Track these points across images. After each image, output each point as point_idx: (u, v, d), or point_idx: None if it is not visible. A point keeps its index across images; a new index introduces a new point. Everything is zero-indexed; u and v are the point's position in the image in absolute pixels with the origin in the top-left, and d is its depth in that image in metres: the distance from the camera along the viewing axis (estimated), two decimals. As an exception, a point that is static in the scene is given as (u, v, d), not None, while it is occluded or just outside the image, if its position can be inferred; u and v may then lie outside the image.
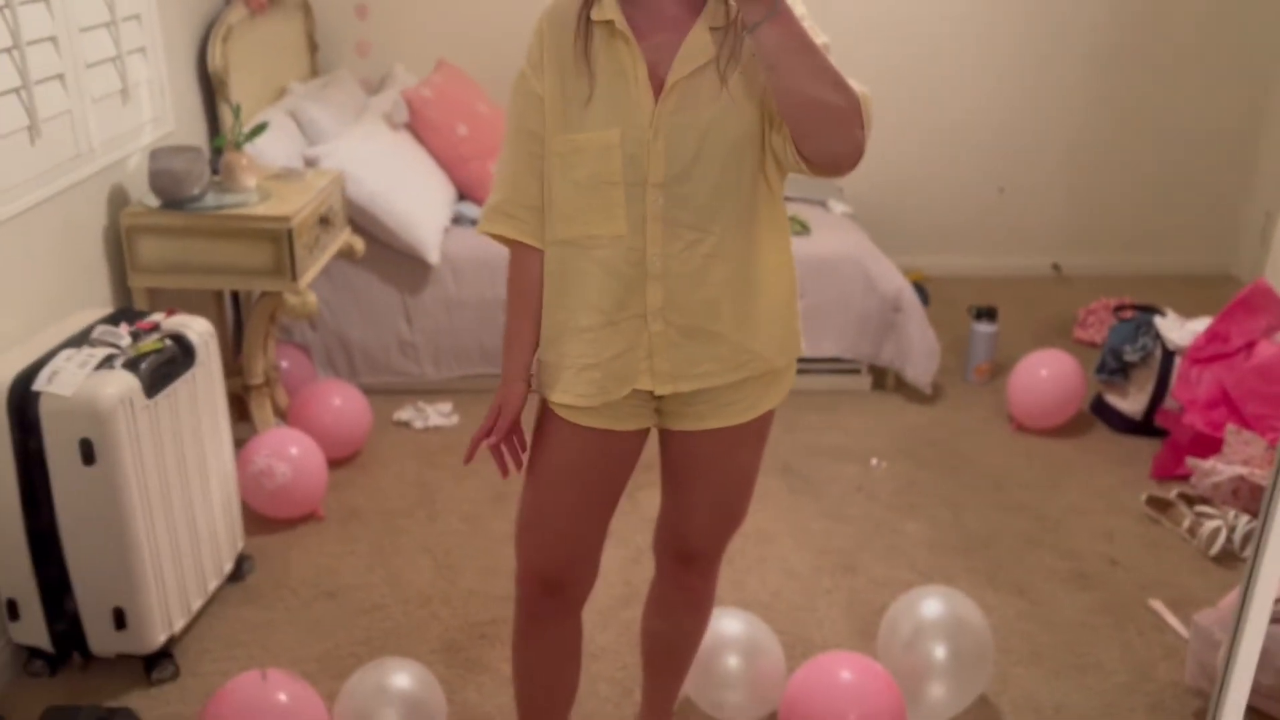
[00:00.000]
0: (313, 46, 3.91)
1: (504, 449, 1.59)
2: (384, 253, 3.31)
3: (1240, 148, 4.52)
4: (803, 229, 3.53)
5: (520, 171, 1.52)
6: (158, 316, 2.30)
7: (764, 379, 1.57)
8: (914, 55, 4.29)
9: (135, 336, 2.19)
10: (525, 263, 1.57)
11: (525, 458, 1.63)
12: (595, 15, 1.42)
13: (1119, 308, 3.51)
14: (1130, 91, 4.41)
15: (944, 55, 4.31)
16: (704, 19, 1.41)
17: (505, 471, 1.60)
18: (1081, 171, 4.52)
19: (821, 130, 1.32)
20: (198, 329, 2.29)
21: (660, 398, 1.56)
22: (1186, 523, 2.79)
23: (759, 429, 1.63)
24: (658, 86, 1.41)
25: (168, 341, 2.20)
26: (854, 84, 1.32)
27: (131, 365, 2.08)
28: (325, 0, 3.95)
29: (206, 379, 2.31)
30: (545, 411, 1.60)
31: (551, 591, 1.64)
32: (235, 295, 3.28)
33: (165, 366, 2.15)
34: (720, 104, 1.40)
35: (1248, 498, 2.84)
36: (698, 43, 1.41)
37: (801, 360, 3.36)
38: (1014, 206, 4.55)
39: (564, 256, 1.52)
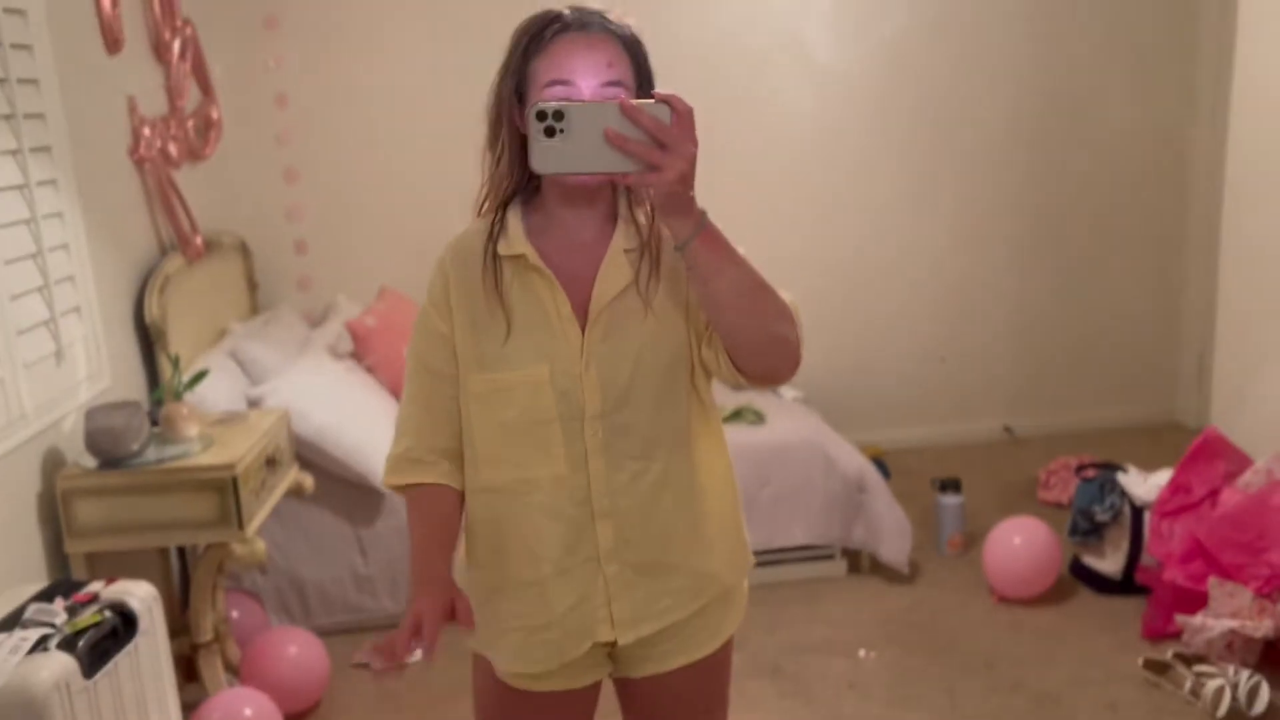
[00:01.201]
0: (252, 285, 3.93)
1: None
2: (334, 485, 3.22)
3: (1165, 298, 4.68)
4: (757, 418, 3.52)
5: (427, 416, 1.42)
6: (96, 586, 2.17)
7: (721, 600, 1.48)
8: (847, 239, 4.44)
9: (72, 611, 2.06)
10: (437, 497, 1.41)
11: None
12: (503, 250, 1.36)
13: (1080, 467, 3.51)
14: (1057, 257, 4.58)
15: (877, 238, 4.46)
16: (617, 241, 1.37)
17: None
18: (1019, 336, 4.63)
19: (759, 345, 1.29)
20: (140, 595, 2.16)
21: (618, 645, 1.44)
22: (1188, 684, 2.69)
23: (723, 656, 1.53)
24: (581, 315, 1.36)
25: (107, 613, 2.06)
26: (783, 293, 1.31)
27: (68, 644, 1.94)
28: (263, 240, 4.00)
29: (150, 648, 2.16)
30: (486, 675, 1.47)
31: None
32: (181, 548, 3.14)
33: (105, 641, 2.02)
34: (648, 325, 1.36)
35: (1243, 651, 2.76)
36: (615, 266, 1.36)
37: (775, 551, 3.35)
38: (959, 374, 4.62)
39: (494, 505, 1.41)
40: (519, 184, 1.37)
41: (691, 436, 1.42)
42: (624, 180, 1.21)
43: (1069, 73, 4.43)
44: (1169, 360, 4.73)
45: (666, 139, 1.15)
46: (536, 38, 1.30)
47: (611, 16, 1.32)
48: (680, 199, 1.18)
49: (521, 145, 1.33)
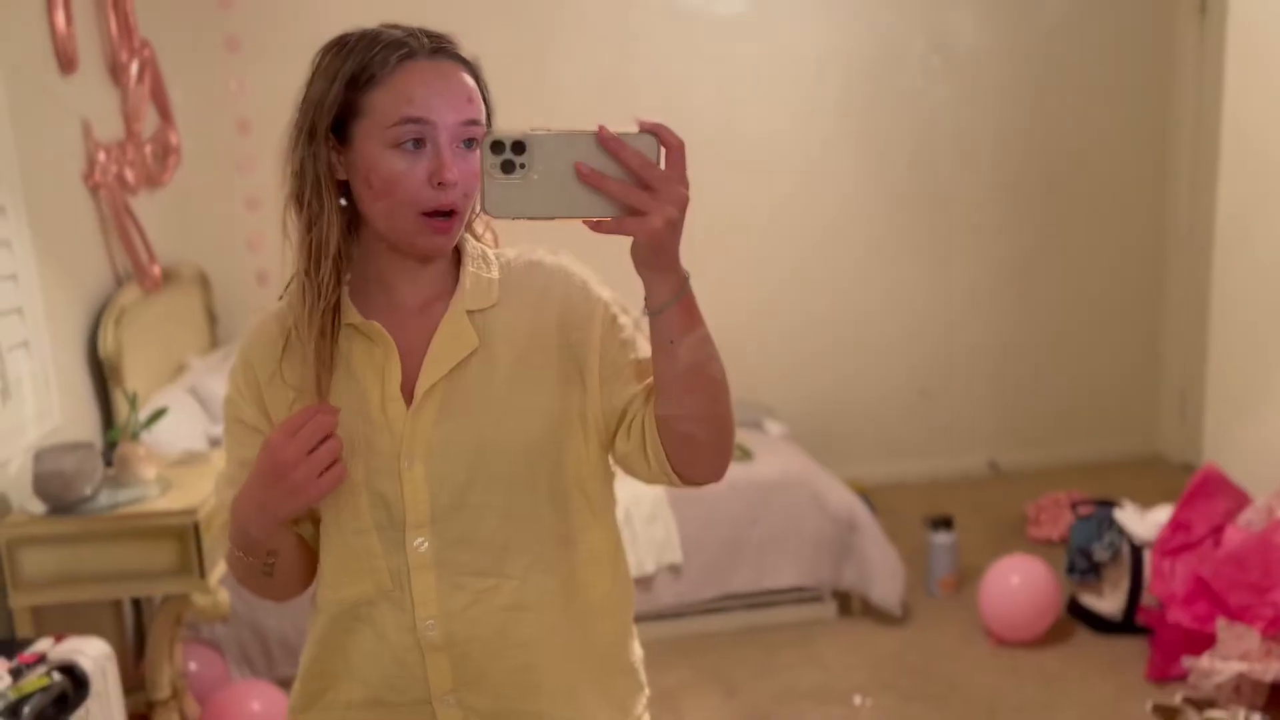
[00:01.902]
0: (212, 318, 3.75)
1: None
2: (300, 529, 3.04)
3: (1146, 332, 4.65)
4: (744, 454, 3.40)
5: None
6: (44, 644, 1.99)
7: None
8: (831, 275, 4.35)
9: (17, 674, 1.88)
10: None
11: None
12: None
13: (1075, 504, 3.43)
14: (1038, 292, 4.53)
15: (860, 273, 4.38)
16: (459, 302, 1.14)
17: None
18: (1002, 371, 4.57)
19: (713, 437, 1.10)
20: (92, 654, 1.99)
21: None
22: (1199, 730, 2.60)
23: None
24: (408, 394, 1.12)
25: (56, 675, 1.89)
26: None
27: (12, 711, 1.76)
28: (224, 270, 3.83)
29: (103, 711, 1.98)
30: None
31: None
32: (136, 599, 2.94)
33: (53, 706, 1.84)
34: (497, 402, 1.12)
35: (1251, 694, 2.67)
36: (454, 333, 1.12)
37: (764, 593, 3.22)
38: (942, 409, 4.54)
39: (332, 617, 1.18)
40: (341, 249, 1.11)
41: (569, 546, 1.16)
42: (599, 228, 0.98)
43: (1051, 115, 4.40)
44: (1151, 394, 4.69)
45: (652, 179, 0.95)
46: (373, 65, 1.07)
47: (457, 42, 1.13)
48: (665, 252, 0.98)
49: (347, 196, 1.11)
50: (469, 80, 1.10)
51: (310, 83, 1.11)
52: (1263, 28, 3.08)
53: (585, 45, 4.06)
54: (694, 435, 1.09)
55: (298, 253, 1.12)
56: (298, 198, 1.11)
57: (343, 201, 1.12)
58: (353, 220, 1.14)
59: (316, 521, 1.19)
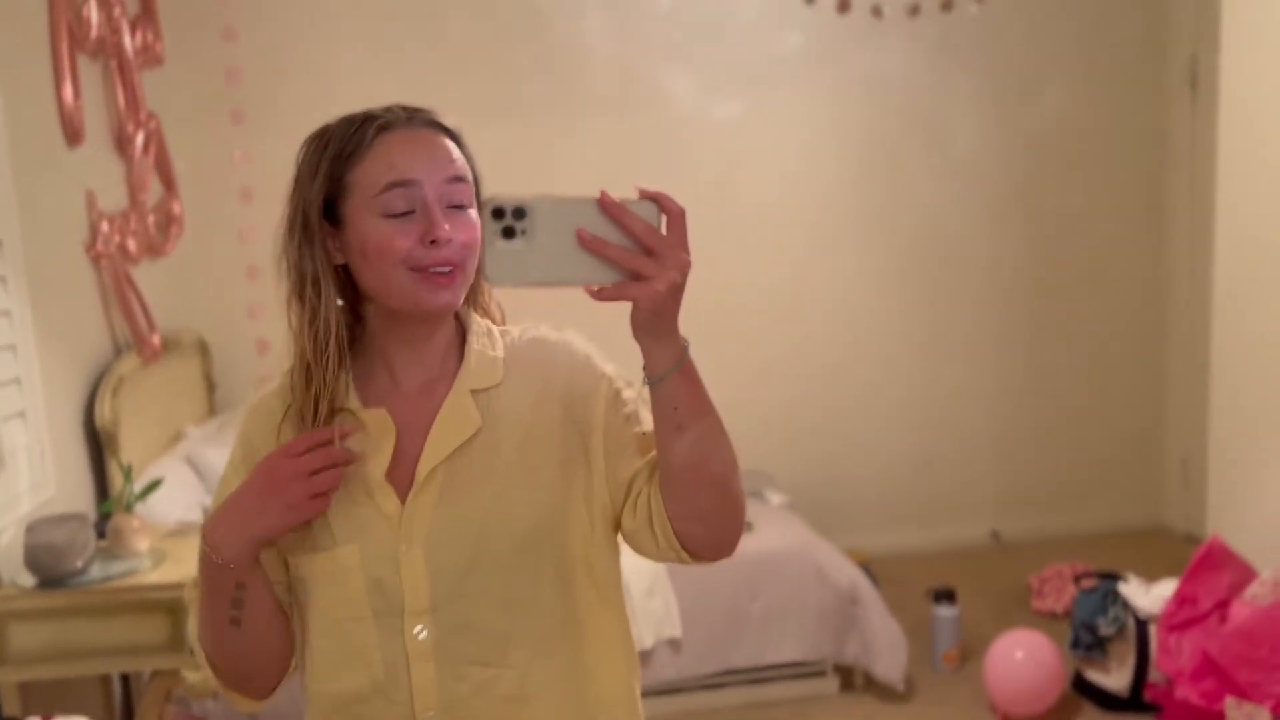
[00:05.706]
0: (211, 386, 3.75)
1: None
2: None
3: (1147, 403, 4.63)
4: (745, 526, 3.37)
5: None
6: (30, 724, 1.95)
7: None
8: (831, 343, 4.35)
9: (0, 755, 1.84)
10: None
11: None
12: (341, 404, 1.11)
13: (1079, 576, 3.39)
14: (1038, 359, 4.53)
15: (861, 344, 4.38)
16: (463, 380, 1.13)
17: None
18: (1002, 438, 4.55)
19: (721, 510, 1.09)
20: (78, 733, 1.94)
21: None
22: (1210, 813, 2.53)
23: None
24: (408, 477, 1.10)
25: (40, 756, 1.85)
26: None
27: (-7, 795, 1.72)
28: (224, 339, 3.84)
29: (88, 794, 1.93)
30: None
31: None
32: (125, 674, 2.89)
33: (36, 790, 1.79)
34: (497, 485, 1.10)
35: (1263, 774, 2.61)
36: (457, 412, 1.11)
37: (764, 668, 3.17)
38: (944, 479, 4.51)
39: (327, 716, 1.15)
40: (343, 336, 1.11)
41: (575, 634, 1.13)
42: (601, 294, 0.98)
43: (1048, 191, 4.44)
44: (1153, 464, 4.66)
45: (655, 244, 0.96)
46: (353, 141, 1.08)
47: (435, 113, 1.14)
48: (666, 319, 0.99)
49: (346, 282, 1.11)
50: (449, 144, 1.12)
51: (297, 176, 1.12)
52: (1253, 102, 3.12)
53: (585, 148, 4.06)
54: (704, 508, 1.09)
55: (302, 342, 1.11)
56: (299, 293, 1.11)
57: (339, 295, 1.12)
58: (356, 303, 1.14)
59: (286, 588, 1.16)
